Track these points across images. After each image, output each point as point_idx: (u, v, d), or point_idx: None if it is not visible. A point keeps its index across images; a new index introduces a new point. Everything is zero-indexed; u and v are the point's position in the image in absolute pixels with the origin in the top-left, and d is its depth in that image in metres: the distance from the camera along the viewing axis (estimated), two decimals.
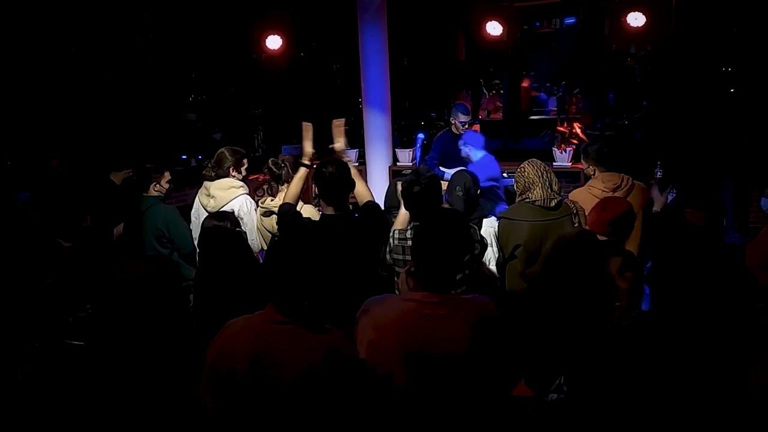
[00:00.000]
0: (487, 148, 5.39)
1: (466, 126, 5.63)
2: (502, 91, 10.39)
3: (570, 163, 6.47)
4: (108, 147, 5.95)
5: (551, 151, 6.61)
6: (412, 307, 2.06)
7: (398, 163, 6.76)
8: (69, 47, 6.59)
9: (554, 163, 6.51)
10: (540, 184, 3.51)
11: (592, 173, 4.09)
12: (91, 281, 4.08)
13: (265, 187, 6.71)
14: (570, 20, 11.04)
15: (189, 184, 7.33)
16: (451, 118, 5.69)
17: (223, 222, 3.26)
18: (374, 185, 6.42)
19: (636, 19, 6.34)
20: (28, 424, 2.89)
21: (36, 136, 6.07)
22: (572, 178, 6.70)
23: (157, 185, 4.28)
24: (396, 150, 6.81)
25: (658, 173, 6.30)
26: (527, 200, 3.53)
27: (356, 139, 7.80)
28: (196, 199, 4.29)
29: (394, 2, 6.30)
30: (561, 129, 6.82)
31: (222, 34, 7.82)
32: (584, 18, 10.52)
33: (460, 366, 2.01)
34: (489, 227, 3.70)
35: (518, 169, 3.63)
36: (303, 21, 7.97)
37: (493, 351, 2.07)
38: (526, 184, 3.55)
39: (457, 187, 3.58)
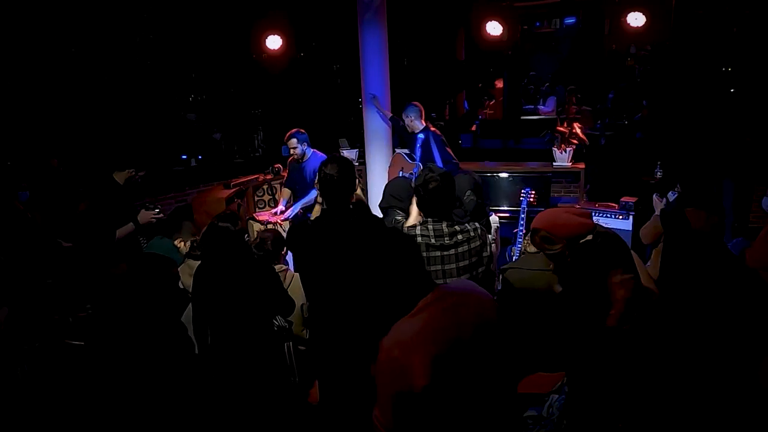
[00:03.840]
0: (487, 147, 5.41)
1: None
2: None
3: (570, 163, 6.47)
4: (108, 147, 5.95)
5: (551, 151, 6.61)
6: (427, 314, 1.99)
7: None
8: (69, 47, 6.58)
9: (554, 163, 6.51)
10: None
11: None
12: (91, 281, 4.08)
13: (265, 187, 6.73)
14: (570, 20, 11.08)
15: (189, 184, 7.34)
16: (405, 117, 5.79)
17: (228, 223, 3.25)
18: (374, 185, 6.43)
19: (636, 19, 6.34)
20: (28, 423, 2.89)
21: (36, 136, 6.07)
22: (572, 178, 6.70)
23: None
24: (396, 150, 6.81)
25: (658, 173, 6.30)
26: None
27: (356, 139, 7.80)
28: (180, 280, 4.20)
29: (394, 2, 6.29)
30: (561, 129, 6.82)
31: (222, 34, 7.82)
32: (584, 18, 10.54)
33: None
34: (492, 224, 3.72)
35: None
36: (303, 21, 7.97)
37: (495, 342, 2.04)
38: None
39: (468, 192, 3.55)
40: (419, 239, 2.88)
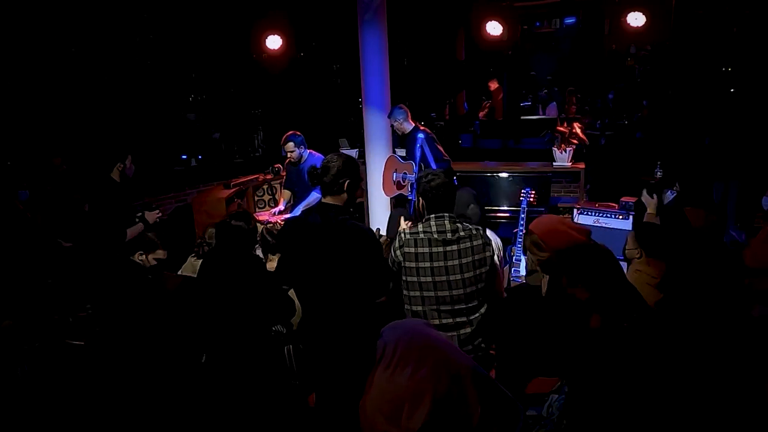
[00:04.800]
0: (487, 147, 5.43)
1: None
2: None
3: (570, 163, 6.47)
4: (107, 147, 5.95)
5: (551, 151, 6.60)
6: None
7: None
8: (69, 47, 6.58)
9: (554, 163, 6.50)
10: None
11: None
12: (91, 281, 4.08)
13: (265, 187, 6.73)
14: (570, 20, 11.09)
15: (189, 184, 7.34)
16: (393, 121, 5.80)
17: (241, 222, 3.25)
18: (374, 185, 6.42)
19: (636, 19, 6.34)
20: (28, 423, 2.89)
21: (37, 136, 6.07)
22: (572, 178, 6.70)
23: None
24: (396, 150, 6.81)
25: (658, 173, 6.29)
26: None
27: (356, 139, 7.80)
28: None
29: (394, 2, 6.29)
30: (561, 129, 6.81)
31: (222, 34, 7.82)
32: (584, 18, 10.55)
33: None
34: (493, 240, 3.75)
35: None
36: (303, 21, 7.97)
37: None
38: None
39: (471, 205, 3.61)
40: (422, 236, 2.89)
